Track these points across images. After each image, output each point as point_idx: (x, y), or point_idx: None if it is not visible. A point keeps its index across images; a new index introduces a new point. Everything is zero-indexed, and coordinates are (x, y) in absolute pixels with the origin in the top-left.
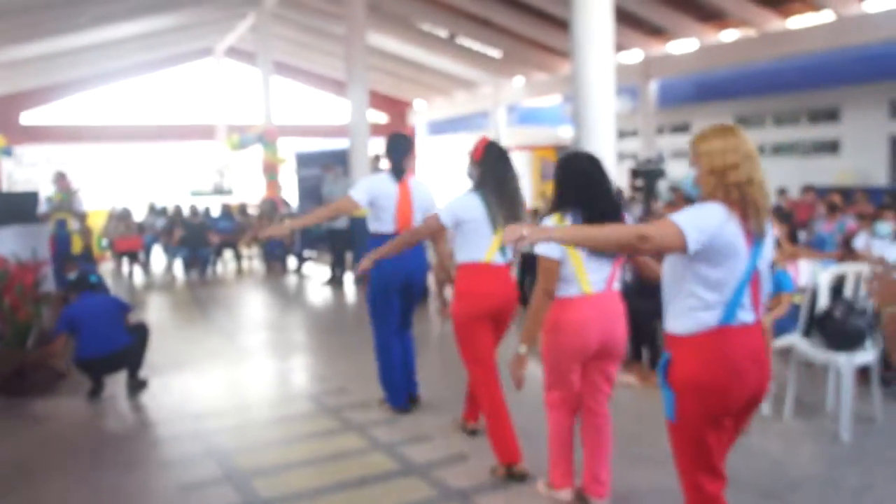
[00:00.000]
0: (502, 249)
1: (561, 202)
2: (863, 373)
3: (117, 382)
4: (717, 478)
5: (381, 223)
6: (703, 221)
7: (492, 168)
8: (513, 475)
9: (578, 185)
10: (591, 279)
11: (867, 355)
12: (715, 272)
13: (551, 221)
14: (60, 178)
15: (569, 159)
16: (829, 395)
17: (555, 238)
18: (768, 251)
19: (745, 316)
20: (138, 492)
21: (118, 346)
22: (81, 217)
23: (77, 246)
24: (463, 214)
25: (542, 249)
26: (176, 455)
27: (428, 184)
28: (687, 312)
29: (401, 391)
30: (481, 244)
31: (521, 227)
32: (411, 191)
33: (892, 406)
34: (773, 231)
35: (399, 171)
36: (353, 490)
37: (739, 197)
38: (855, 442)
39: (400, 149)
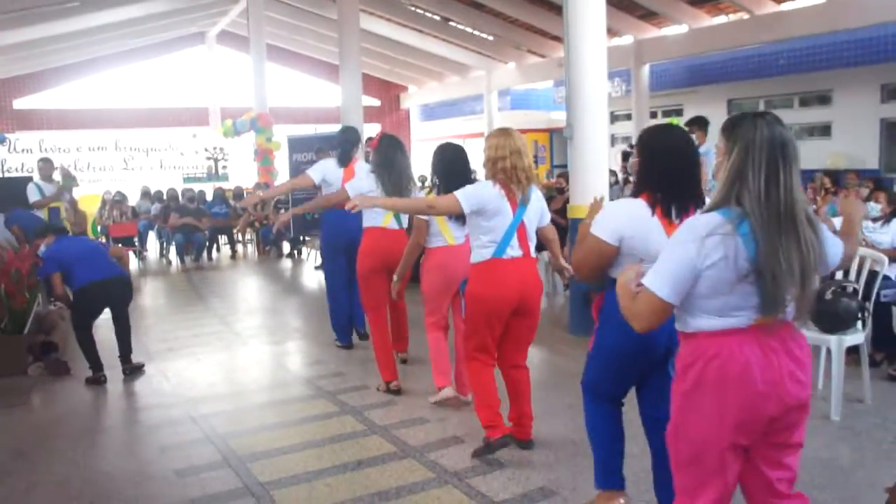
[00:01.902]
0: (397, 217)
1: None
2: (851, 353)
3: (114, 367)
4: (488, 355)
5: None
6: (475, 193)
7: (384, 154)
8: (390, 390)
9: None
10: (454, 234)
11: (858, 336)
12: (488, 224)
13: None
14: (50, 166)
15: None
16: (820, 375)
17: (377, 205)
18: (533, 211)
19: (514, 252)
20: (136, 476)
21: (114, 274)
22: (73, 204)
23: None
24: (361, 189)
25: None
26: (173, 440)
27: (365, 167)
28: (476, 250)
29: (347, 332)
30: (378, 213)
31: (368, 197)
32: (355, 173)
33: (881, 386)
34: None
35: (346, 157)
36: (351, 472)
37: (506, 177)
38: (845, 422)
39: (349, 140)
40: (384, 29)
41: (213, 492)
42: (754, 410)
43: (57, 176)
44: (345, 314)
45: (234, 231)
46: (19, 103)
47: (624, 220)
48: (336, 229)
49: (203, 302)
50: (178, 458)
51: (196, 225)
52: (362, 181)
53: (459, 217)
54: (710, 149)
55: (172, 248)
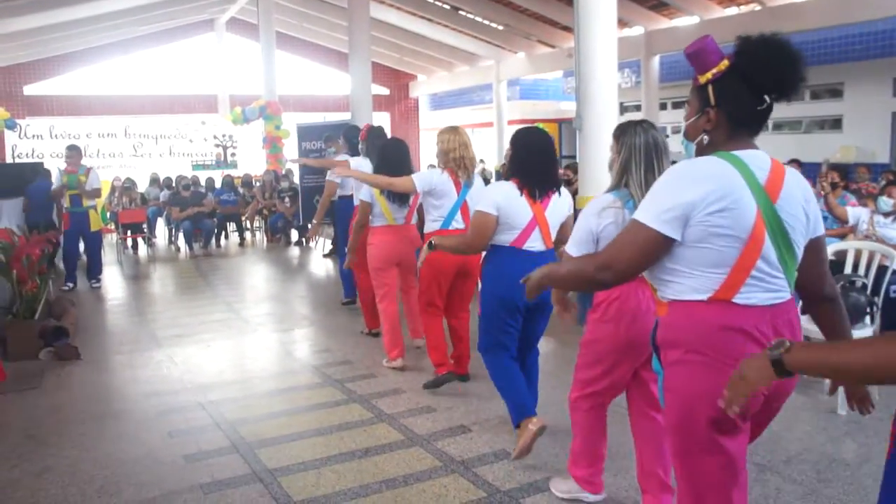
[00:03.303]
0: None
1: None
2: None
3: (121, 353)
4: (436, 308)
5: (344, 189)
6: (426, 178)
7: (373, 144)
8: (371, 333)
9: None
10: (394, 216)
11: (866, 331)
12: (437, 202)
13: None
14: (76, 154)
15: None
16: None
17: (352, 175)
18: (475, 190)
19: (458, 224)
20: (146, 462)
21: None
22: (94, 194)
23: (95, 223)
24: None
25: (360, 195)
26: (182, 425)
27: (366, 162)
28: (428, 223)
29: (351, 289)
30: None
31: (347, 169)
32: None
33: None
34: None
35: (354, 152)
36: (358, 460)
37: (454, 166)
38: (851, 416)
39: (355, 136)
40: (394, 17)
41: (222, 477)
42: (640, 332)
43: (94, 180)
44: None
45: (243, 218)
46: (30, 89)
47: (500, 196)
48: (349, 217)
49: (211, 289)
50: (188, 443)
51: (200, 210)
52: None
53: (401, 200)
54: None
55: (181, 235)
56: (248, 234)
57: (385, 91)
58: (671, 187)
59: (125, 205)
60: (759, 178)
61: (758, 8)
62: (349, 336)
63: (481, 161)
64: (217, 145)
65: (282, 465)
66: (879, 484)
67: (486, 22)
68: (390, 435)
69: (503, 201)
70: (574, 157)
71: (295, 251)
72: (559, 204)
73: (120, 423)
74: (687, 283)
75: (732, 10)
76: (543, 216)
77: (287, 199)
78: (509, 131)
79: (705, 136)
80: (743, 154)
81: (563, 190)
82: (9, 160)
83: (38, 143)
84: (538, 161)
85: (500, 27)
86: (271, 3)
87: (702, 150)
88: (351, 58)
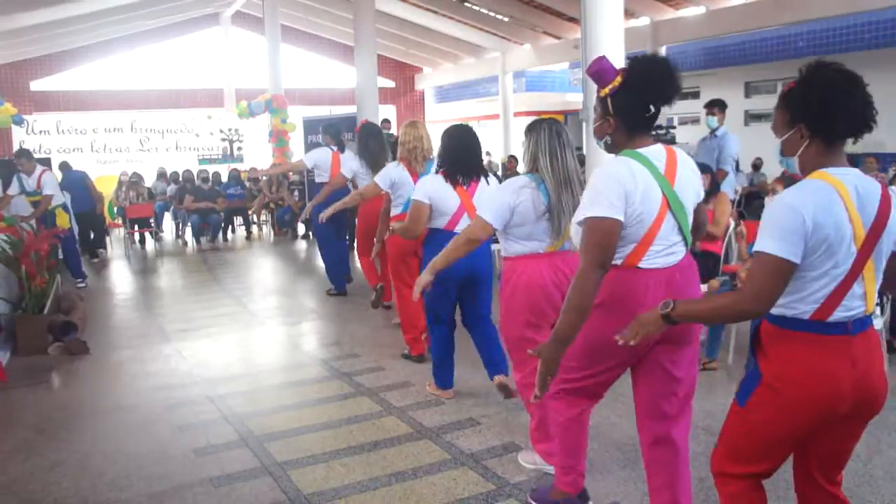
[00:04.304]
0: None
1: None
2: None
3: (131, 348)
4: (405, 284)
5: (320, 177)
6: (385, 177)
7: (364, 140)
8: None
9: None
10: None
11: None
12: (400, 192)
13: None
14: (28, 160)
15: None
16: None
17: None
18: (425, 181)
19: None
20: (156, 455)
21: None
22: (46, 203)
23: (63, 220)
24: (353, 167)
25: (415, 196)
26: (191, 419)
27: (352, 155)
28: (393, 209)
29: (341, 281)
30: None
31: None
32: (340, 158)
33: None
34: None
35: (340, 146)
36: (367, 453)
37: (409, 156)
38: None
39: (337, 132)
40: (399, 10)
41: (232, 471)
42: (545, 301)
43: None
44: (338, 264)
45: (250, 212)
46: (36, 85)
47: (430, 187)
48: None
49: (219, 283)
50: (197, 437)
51: (212, 206)
52: (352, 162)
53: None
54: (727, 132)
55: (188, 230)
56: (255, 228)
57: (391, 84)
58: (606, 184)
59: (132, 199)
60: (659, 168)
61: None
62: (357, 329)
63: (487, 153)
64: (223, 139)
65: (291, 458)
66: (889, 477)
67: (492, 13)
68: (399, 428)
69: (433, 191)
70: (580, 148)
71: (302, 244)
72: (487, 191)
73: (129, 417)
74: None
75: (739, 0)
76: (470, 202)
77: (296, 193)
78: (515, 123)
79: (608, 138)
80: (645, 151)
81: (491, 178)
82: None
83: (45, 139)
84: (462, 153)
85: (506, 19)
86: None
87: (609, 148)
88: (356, 51)
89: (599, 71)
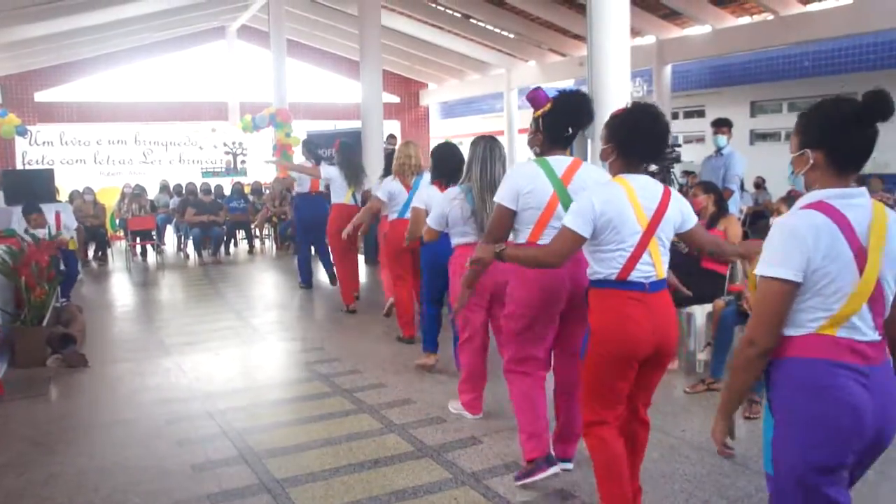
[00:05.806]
0: (353, 196)
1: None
2: None
3: (131, 361)
4: (401, 279)
5: (302, 187)
6: (385, 191)
7: (344, 155)
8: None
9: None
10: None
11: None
12: (395, 201)
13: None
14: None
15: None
16: None
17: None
18: (422, 190)
19: (405, 213)
20: (153, 471)
21: None
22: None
23: (73, 244)
24: (329, 174)
25: (415, 203)
26: (190, 434)
27: (326, 165)
28: (390, 214)
29: (307, 276)
30: (341, 192)
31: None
32: (321, 170)
33: None
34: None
35: (317, 159)
36: (368, 471)
37: (400, 171)
38: None
39: (316, 146)
40: (405, 26)
41: (230, 487)
42: (491, 285)
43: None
44: (308, 265)
45: (252, 226)
46: (41, 96)
47: (426, 195)
48: (309, 210)
49: (220, 297)
50: (195, 452)
51: (214, 219)
52: (329, 170)
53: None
54: (732, 151)
55: (190, 243)
56: (257, 242)
57: (395, 99)
58: (508, 179)
59: (135, 212)
60: (557, 172)
61: (770, 17)
62: (359, 344)
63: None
64: (227, 153)
65: (290, 475)
66: (882, 476)
67: (497, 30)
68: (400, 446)
69: (428, 199)
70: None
71: None
72: (434, 201)
73: (127, 431)
74: (518, 236)
75: (745, 20)
76: None
77: None
78: (520, 140)
79: (537, 149)
80: (550, 159)
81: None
82: (19, 167)
83: (48, 150)
84: (449, 166)
85: (512, 35)
86: (282, 11)
87: (537, 155)
88: (362, 65)
89: (535, 97)
